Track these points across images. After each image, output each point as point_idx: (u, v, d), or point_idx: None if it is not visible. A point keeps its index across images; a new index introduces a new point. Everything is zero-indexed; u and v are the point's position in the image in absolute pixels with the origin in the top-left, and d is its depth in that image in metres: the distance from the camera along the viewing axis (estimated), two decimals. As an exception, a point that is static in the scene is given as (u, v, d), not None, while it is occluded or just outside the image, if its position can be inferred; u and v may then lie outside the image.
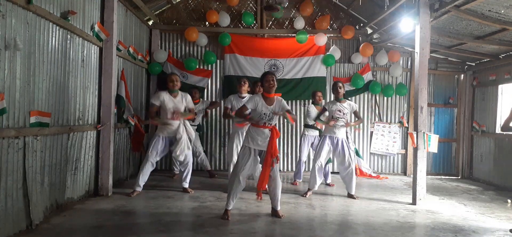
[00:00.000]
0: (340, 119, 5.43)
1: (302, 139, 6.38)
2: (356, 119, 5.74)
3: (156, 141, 5.30)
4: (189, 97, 5.40)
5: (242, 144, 4.33)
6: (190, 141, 5.47)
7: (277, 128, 4.29)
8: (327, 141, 5.48)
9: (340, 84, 5.48)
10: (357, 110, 5.74)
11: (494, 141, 7.08)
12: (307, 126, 6.34)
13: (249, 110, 4.18)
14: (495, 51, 6.72)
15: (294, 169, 7.76)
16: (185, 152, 5.30)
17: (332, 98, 6.37)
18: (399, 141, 7.81)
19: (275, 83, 4.20)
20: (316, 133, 6.27)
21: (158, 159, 5.38)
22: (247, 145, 4.21)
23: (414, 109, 5.30)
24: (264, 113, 4.16)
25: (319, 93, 6.24)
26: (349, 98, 7.28)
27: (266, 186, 4.30)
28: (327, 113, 5.54)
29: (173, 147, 5.28)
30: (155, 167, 5.46)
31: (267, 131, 4.19)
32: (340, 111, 5.43)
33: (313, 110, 6.08)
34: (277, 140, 4.33)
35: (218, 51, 7.77)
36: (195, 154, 6.69)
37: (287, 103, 7.52)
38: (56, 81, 4.15)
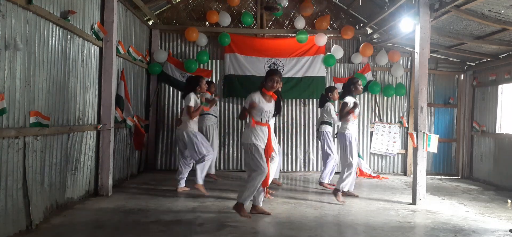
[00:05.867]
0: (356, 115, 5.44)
1: (323, 136, 6.13)
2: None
3: (199, 136, 5.45)
4: None
5: (252, 143, 4.18)
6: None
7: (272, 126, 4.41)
8: (355, 139, 5.40)
9: (358, 81, 5.47)
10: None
11: (494, 141, 7.07)
12: (324, 122, 6.16)
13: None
14: (495, 51, 6.72)
15: (295, 169, 7.77)
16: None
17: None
18: (399, 141, 7.81)
19: (278, 85, 4.25)
20: (331, 128, 6.23)
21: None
22: (258, 143, 4.18)
23: (414, 109, 5.30)
24: (265, 111, 4.22)
25: (337, 90, 6.23)
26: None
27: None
28: (357, 109, 5.38)
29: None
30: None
31: (266, 128, 4.26)
32: (356, 106, 5.35)
33: (332, 109, 6.05)
34: (277, 139, 4.36)
35: (218, 51, 7.78)
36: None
37: (287, 102, 7.67)
38: (56, 81, 4.15)
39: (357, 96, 5.78)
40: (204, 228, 3.85)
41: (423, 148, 5.07)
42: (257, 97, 4.22)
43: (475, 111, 7.77)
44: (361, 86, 5.52)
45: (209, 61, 7.68)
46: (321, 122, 6.21)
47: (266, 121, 4.27)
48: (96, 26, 4.96)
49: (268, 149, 4.22)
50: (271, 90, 4.23)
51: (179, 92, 7.41)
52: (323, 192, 5.90)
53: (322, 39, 7.56)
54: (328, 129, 6.18)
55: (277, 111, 4.41)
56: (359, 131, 7.79)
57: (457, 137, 8.05)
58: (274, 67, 7.63)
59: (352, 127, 5.35)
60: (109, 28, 5.17)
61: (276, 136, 6.13)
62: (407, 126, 7.81)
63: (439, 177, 7.90)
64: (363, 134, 7.84)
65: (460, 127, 8.01)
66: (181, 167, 5.59)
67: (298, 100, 7.74)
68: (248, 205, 4.38)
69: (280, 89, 4.43)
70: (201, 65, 7.66)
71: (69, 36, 4.39)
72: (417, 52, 5.17)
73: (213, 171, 6.64)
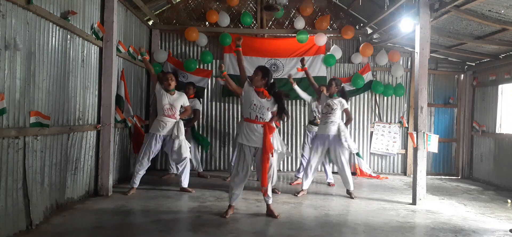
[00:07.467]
0: (328, 114, 5.46)
1: (305, 135, 6.52)
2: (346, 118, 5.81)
3: (149, 141, 5.34)
4: (185, 96, 5.63)
5: (237, 141, 4.25)
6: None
7: (271, 124, 4.26)
8: (319, 141, 5.50)
9: (333, 83, 5.51)
10: (348, 108, 5.68)
11: (494, 141, 7.08)
12: (310, 122, 6.42)
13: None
14: (495, 51, 6.72)
15: (293, 169, 7.78)
16: (181, 152, 5.38)
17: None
18: (399, 141, 7.81)
19: (261, 78, 4.12)
20: (312, 127, 6.33)
21: (150, 160, 5.40)
22: (241, 141, 4.17)
23: (414, 109, 5.30)
24: (254, 104, 4.11)
25: (334, 87, 6.30)
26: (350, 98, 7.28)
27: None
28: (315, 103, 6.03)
29: (167, 149, 5.46)
30: (150, 164, 5.48)
31: (260, 127, 4.13)
32: (328, 105, 5.46)
33: (301, 92, 6.36)
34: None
35: (217, 51, 7.78)
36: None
37: (287, 102, 7.65)
38: (56, 81, 4.15)
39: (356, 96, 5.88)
40: (204, 228, 3.85)
41: (423, 148, 5.07)
42: (247, 84, 4.17)
43: (475, 111, 7.77)
44: (334, 87, 5.50)
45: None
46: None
47: (258, 118, 4.12)
48: (96, 25, 4.96)
49: (266, 148, 4.08)
50: (256, 84, 4.12)
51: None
52: (324, 192, 5.90)
53: (322, 39, 7.56)
54: (309, 127, 6.50)
55: (279, 115, 4.14)
56: (359, 130, 7.81)
57: (457, 137, 8.06)
58: (274, 68, 7.63)
59: (316, 126, 5.96)
60: (109, 28, 5.17)
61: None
62: (407, 125, 7.81)
63: (439, 177, 7.90)
64: (363, 134, 7.83)
65: (460, 127, 8.01)
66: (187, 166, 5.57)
67: (298, 100, 7.74)
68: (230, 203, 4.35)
69: (263, 87, 4.15)
70: (203, 65, 7.66)
71: (69, 36, 4.39)
72: (417, 52, 5.17)
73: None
